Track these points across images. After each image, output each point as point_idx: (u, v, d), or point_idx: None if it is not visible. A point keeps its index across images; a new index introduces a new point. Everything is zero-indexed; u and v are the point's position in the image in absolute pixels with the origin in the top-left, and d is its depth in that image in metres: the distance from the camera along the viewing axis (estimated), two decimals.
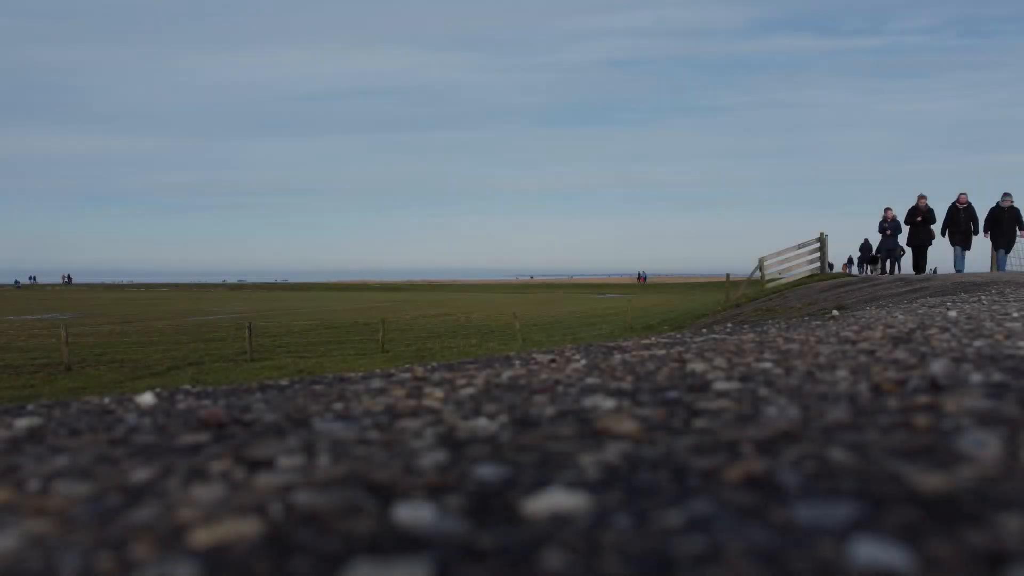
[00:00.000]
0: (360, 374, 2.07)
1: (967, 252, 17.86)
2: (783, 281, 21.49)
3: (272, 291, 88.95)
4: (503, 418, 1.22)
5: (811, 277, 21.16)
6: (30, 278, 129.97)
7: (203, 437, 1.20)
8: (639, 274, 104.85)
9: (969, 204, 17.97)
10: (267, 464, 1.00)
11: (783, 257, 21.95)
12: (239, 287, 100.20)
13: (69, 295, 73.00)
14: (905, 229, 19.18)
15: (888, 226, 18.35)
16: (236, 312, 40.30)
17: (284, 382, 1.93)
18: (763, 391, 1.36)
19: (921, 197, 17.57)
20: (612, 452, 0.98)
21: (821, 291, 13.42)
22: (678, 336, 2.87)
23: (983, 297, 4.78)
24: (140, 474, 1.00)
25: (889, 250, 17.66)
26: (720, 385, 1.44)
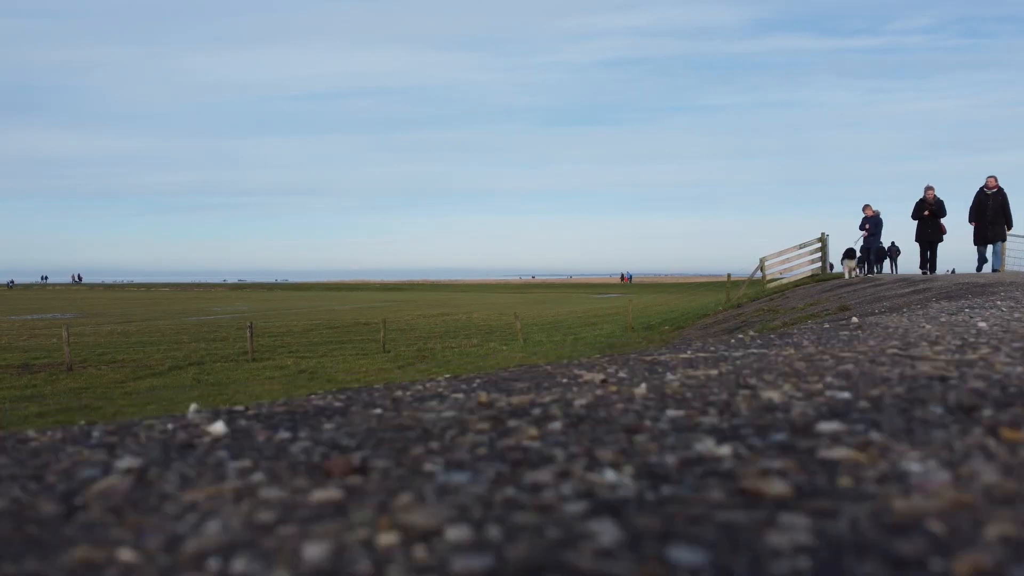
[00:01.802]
0: (410, 392, 1.98)
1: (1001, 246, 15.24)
2: (784, 281, 21.49)
3: (273, 291, 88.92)
4: (628, 469, 1.07)
5: (812, 277, 21.15)
6: (42, 278, 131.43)
7: (334, 493, 1.02)
8: (623, 275, 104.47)
9: (1000, 189, 15.10)
10: (436, 534, 0.85)
11: (784, 257, 21.95)
12: (240, 287, 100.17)
13: (69, 295, 72.98)
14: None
15: (869, 223, 16.87)
16: (237, 311, 40.28)
17: (339, 402, 1.85)
18: (875, 435, 1.20)
19: (928, 189, 15.55)
20: (800, 530, 0.83)
21: (822, 291, 13.40)
22: (715, 349, 2.80)
23: (998, 302, 4.63)
24: (312, 551, 0.82)
25: (875, 249, 16.48)
26: (823, 426, 1.27)
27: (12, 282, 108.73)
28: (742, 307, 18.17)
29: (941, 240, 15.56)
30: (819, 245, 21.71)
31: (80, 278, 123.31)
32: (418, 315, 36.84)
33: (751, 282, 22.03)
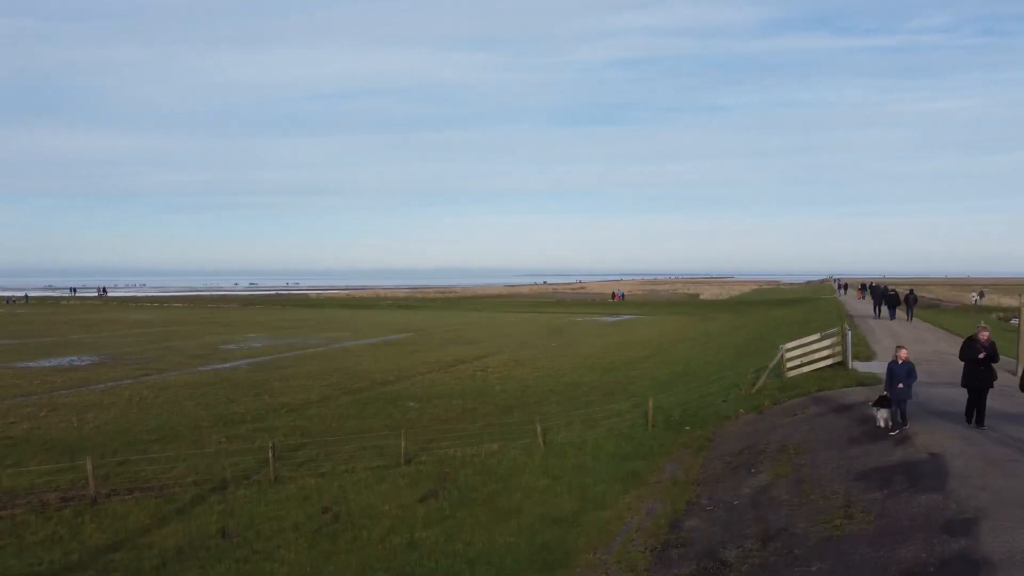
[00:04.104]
0: None
1: None
2: (804, 371, 21.46)
3: (285, 307, 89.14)
4: None
5: (833, 369, 21.11)
6: (71, 290, 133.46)
7: None
8: (614, 293, 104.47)
9: None
10: None
11: (806, 349, 21.91)
12: (252, 301, 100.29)
13: (86, 316, 73.25)
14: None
15: (899, 371, 13.60)
16: (252, 353, 40.16)
17: None
18: None
19: (981, 328, 13.94)
20: None
21: (852, 448, 13.21)
22: None
23: None
24: None
25: (900, 401, 13.85)
26: None
27: (27, 297, 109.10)
28: (765, 416, 18.05)
29: (992, 387, 13.79)
30: (839, 338, 21.69)
31: (105, 291, 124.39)
32: (433, 363, 36.82)
33: (772, 370, 21.85)
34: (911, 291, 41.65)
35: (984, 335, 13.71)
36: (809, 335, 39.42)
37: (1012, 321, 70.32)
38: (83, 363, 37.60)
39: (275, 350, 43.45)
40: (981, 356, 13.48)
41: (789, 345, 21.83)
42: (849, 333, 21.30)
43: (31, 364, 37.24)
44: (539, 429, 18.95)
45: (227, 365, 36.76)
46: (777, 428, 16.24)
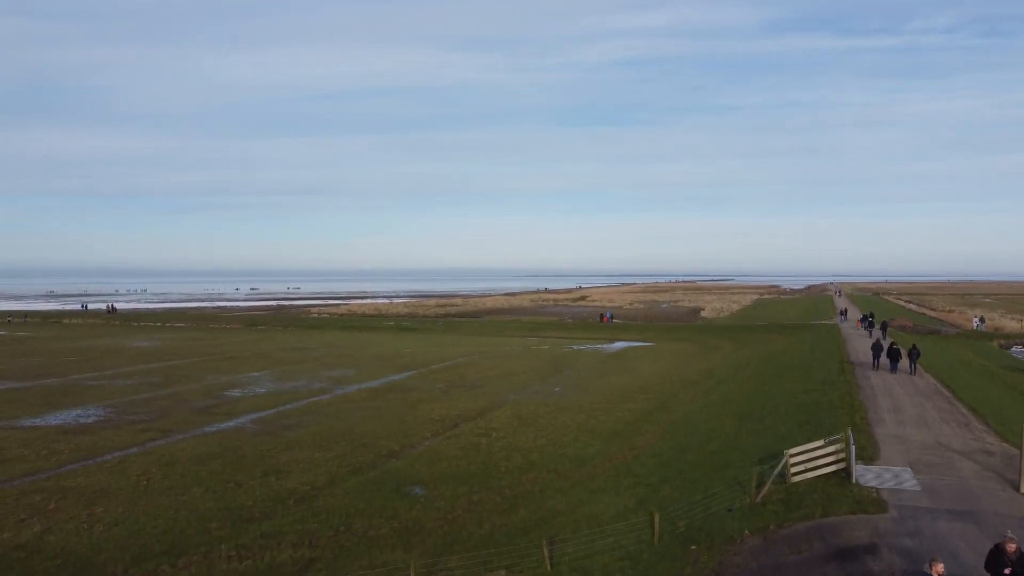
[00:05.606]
0: None
1: None
2: (809, 477, 21.67)
3: (287, 329, 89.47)
4: None
5: (838, 479, 21.31)
6: (82, 306, 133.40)
7: None
8: (603, 315, 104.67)
9: None
10: None
11: (810, 455, 22.10)
12: (254, 321, 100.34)
13: (88, 343, 73.43)
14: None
15: None
16: (257, 406, 40.07)
17: None
18: None
19: (1010, 540, 12.70)
20: None
21: None
22: None
23: None
24: None
25: None
26: None
27: (25, 316, 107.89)
28: (769, 546, 18.16)
29: None
30: (843, 445, 21.90)
31: (114, 308, 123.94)
32: (437, 422, 36.92)
33: (776, 478, 22.01)
34: (914, 346, 41.77)
35: (1012, 547, 12.60)
36: (811, 389, 39.87)
37: (1012, 350, 70.73)
38: (88, 419, 37.78)
39: (279, 399, 43.56)
40: (1007, 572, 12.52)
41: (793, 451, 22.03)
42: (853, 447, 21.47)
43: (37, 421, 37.42)
44: (546, 553, 19.10)
45: (231, 424, 36.92)
46: (782, 573, 16.38)
